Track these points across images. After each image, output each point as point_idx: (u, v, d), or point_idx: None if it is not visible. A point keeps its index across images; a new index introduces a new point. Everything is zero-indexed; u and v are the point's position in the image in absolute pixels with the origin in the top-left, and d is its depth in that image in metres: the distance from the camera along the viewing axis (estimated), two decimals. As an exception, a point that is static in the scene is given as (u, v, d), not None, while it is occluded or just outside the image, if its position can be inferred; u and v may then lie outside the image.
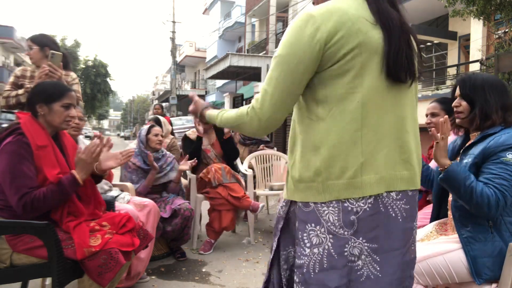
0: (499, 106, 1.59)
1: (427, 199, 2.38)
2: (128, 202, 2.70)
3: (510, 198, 1.46)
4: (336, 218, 1.07)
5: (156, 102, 26.95)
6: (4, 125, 2.17)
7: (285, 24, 17.41)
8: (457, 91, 1.71)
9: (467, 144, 1.67)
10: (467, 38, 9.00)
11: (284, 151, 10.95)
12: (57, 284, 1.68)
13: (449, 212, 1.69)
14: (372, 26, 1.07)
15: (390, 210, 1.09)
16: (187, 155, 3.42)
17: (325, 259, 1.07)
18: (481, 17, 5.47)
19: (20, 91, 2.52)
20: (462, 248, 1.54)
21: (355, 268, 1.07)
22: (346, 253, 1.06)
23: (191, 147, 3.64)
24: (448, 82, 9.02)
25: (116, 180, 3.08)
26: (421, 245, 1.66)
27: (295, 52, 1.06)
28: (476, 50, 7.44)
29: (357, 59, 1.05)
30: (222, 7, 26.33)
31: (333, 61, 1.06)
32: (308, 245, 1.10)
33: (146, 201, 2.77)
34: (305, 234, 1.10)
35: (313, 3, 1.22)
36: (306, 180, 1.11)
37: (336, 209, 1.07)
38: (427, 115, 2.45)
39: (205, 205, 3.59)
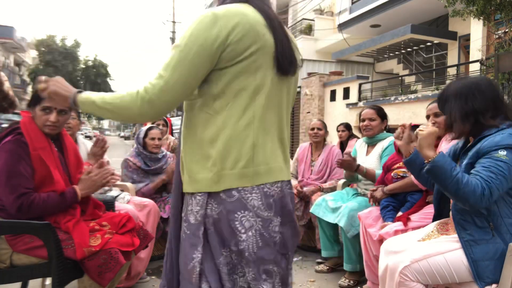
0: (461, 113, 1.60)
1: (427, 200, 2.38)
2: (128, 202, 2.70)
3: (496, 191, 1.44)
4: (260, 202, 1.18)
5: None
6: (4, 125, 2.17)
7: (285, 24, 17.40)
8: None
9: (466, 148, 1.67)
10: (467, 38, 8.99)
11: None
12: (57, 284, 1.68)
13: (451, 213, 1.69)
14: (266, 29, 1.18)
15: (287, 194, 1.27)
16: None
17: (259, 239, 1.19)
18: (481, 17, 5.46)
19: None
20: (463, 250, 1.54)
21: (275, 247, 1.22)
22: (270, 231, 1.20)
23: None
24: (448, 82, 9.02)
25: (116, 180, 3.07)
26: (422, 244, 1.66)
27: (196, 46, 1.11)
28: (476, 50, 7.43)
29: (257, 61, 1.16)
30: (222, 7, 26.31)
31: (235, 60, 1.14)
32: (243, 230, 1.18)
33: (146, 201, 2.77)
34: (237, 222, 1.18)
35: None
36: (203, 171, 1.18)
37: (259, 194, 1.18)
38: (428, 116, 2.43)
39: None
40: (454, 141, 1.91)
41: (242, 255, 1.20)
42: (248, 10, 1.18)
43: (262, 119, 1.19)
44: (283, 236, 1.25)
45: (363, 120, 2.92)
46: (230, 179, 1.17)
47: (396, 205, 2.46)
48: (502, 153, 1.47)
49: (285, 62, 1.22)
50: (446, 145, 2.08)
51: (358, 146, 3.12)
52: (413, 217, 2.21)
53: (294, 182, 3.59)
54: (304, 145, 3.79)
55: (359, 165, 2.76)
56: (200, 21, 1.14)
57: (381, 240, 2.14)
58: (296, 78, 1.35)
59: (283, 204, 1.24)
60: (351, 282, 2.69)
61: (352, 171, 2.76)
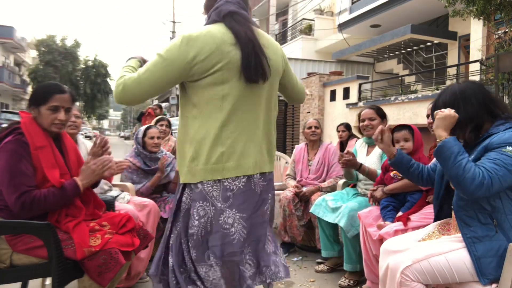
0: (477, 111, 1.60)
1: (427, 200, 2.38)
2: (128, 202, 2.70)
3: (497, 182, 1.45)
4: (218, 193, 1.41)
5: (156, 102, 26.99)
6: (4, 125, 2.17)
7: (285, 24, 17.40)
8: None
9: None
10: (467, 38, 8.99)
11: (284, 151, 10.94)
12: (57, 284, 1.68)
13: (453, 212, 1.69)
14: (233, 47, 1.40)
15: (257, 187, 1.47)
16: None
17: (208, 225, 1.42)
18: (481, 17, 5.46)
19: None
20: (466, 248, 1.54)
21: (229, 234, 1.41)
22: (220, 221, 1.41)
23: None
24: (448, 82, 9.03)
25: (116, 180, 3.07)
26: (423, 244, 1.66)
27: (169, 59, 1.37)
28: (476, 50, 7.43)
29: (223, 75, 1.38)
30: (222, 7, 26.26)
31: (204, 75, 1.38)
32: (197, 217, 1.42)
33: (146, 201, 2.77)
34: (195, 210, 1.42)
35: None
36: (186, 165, 1.44)
37: (219, 187, 1.41)
38: (428, 116, 2.44)
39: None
40: None
41: (192, 238, 1.43)
42: (218, 31, 1.41)
43: (231, 123, 1.41)
44: (242, 229, 1.44)
45: (363, 120, 2.92)
46: (201, 173, 1.41)
47: (396, 204, 2.46)
48: (510, 148, 1.48)
49: (251, 73, 1.40)
50: None
51: (358, 147, 3.11)
52: (413, 217, 2.20)
53: (293, 183, 3.59)
54: (299, 146, 3.79)
55: (361, 164, 2.76)
56: (178, 40, 1.39)
57: (381, 240, 2.14)
58: (274, 82, 1.54)
59: (245, 198, 1.44)
60: (351, 282, 2.69)
61: (356, 168, 2.76)
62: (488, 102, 1.61)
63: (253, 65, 1.40)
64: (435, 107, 1.69)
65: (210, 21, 1.48)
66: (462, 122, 1.60)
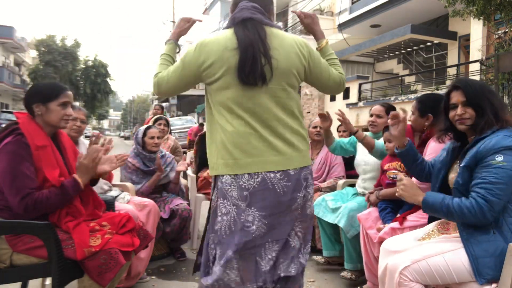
0: (498, 108, 1.61)
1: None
2: (128, 202, 2.70)
3: (497, 201, 1.47)
4: (236, 193, 1.49)
5: (156, 102, 26.95)
6: (3, 125, 2.17)
7: (285, 25, 17.38)
8: (458, 98, 1.67)
9: (465, 148, 1.68)
10: (467, 38, 8.99)
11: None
12: (57, 284, 1.68)
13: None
14: (233, 52, 1.51)
15: (276, 187, 1.50)
16: (185, 156, 3.41)
17: (232, 224, 1.50)
18: (481, 17, 5.46)
19: None
20: (463, 248, 1.55)
21: (250, 231, 1.49)
22: (242, 220, 1.49)
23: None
24: (448, 82, 9.03)
25: (116, 180, 3.07)
26: (422, 244, 1.66)
27: (185, 63, 1.58)
28: (476, 50, 7.43)
29: (227, 80, 1.51)
30: (222, 7, 26.30)
31: (212, 79, 1.54)
32: (219, 214, 1.53)
33: (146, 201, 2.77)
34: (218, 208, 1.54)
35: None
36: (209, 159, 1.60)
37: (236, 187, 1.49)
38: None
39: (205, 205, 3.58)
40: (441, 145, 1.90)
41: (216, 234, 1.53)
42: (225, 37, 1.54)
43: (238, 124, 1.50)
44: (263, 226, 1.49)
45: (371, 116, 2.91)
46: (217, 168, 1.54)
47: (394, 206, 2.46)
48: (499, 159, 1.49)
49: (245, 76, 1.49)
50: (436, 145, 2.08)
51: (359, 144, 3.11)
52: (410, 217, 2.20)
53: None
54: None
55: (358, 130, 2.72)
56: (194, 45, 1.57)
57: (381, 242, 2.14)
58: (286, 81, 1.57)
59: (264, 197, 1.49)
60: (353, 276, 2.69)
61: (352, 133, 2.71)
62: (500, 106, 1.63)
63: (248, 69, 1.48)
64: (471, 88, 1.64)
65: (225, 27, 1.63)
66: (499, 107, 1.61)
